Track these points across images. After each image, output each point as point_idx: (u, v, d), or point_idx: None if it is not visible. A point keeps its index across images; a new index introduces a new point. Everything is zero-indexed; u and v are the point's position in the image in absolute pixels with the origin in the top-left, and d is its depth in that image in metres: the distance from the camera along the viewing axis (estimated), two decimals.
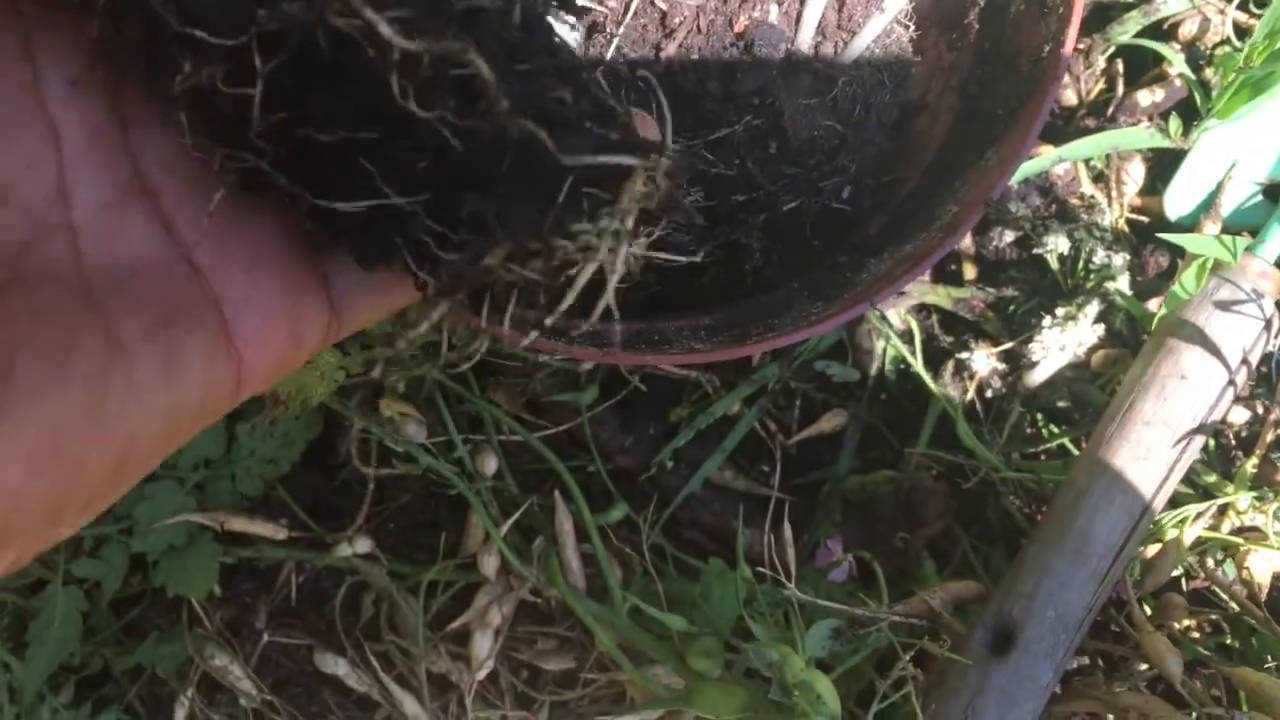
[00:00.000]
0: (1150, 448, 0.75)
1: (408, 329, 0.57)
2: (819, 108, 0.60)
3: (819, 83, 0.60)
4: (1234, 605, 0.77)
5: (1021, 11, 0.65)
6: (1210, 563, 0.78)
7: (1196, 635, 0.83)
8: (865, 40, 0.60)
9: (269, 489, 0.88)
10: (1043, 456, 0.89)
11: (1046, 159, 0.82)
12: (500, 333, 0.54)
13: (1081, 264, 0.83)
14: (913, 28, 0.62)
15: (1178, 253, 0.89)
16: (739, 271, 0.63)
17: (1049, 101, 0.60)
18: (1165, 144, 0.84)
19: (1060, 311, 0.81)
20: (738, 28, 0.60)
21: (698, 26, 0.60)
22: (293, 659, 0.91)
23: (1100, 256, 0.82)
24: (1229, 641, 0.83)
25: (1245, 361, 0.77)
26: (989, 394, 0.88)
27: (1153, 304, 0.88)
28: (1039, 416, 0.89)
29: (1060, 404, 0.87)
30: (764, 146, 0.60)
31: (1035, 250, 0.84)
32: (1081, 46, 0.91)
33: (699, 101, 0.58)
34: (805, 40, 0.59)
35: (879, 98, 0.61)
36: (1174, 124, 0.83)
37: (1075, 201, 0.87)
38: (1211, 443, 0.85)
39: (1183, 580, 0.84)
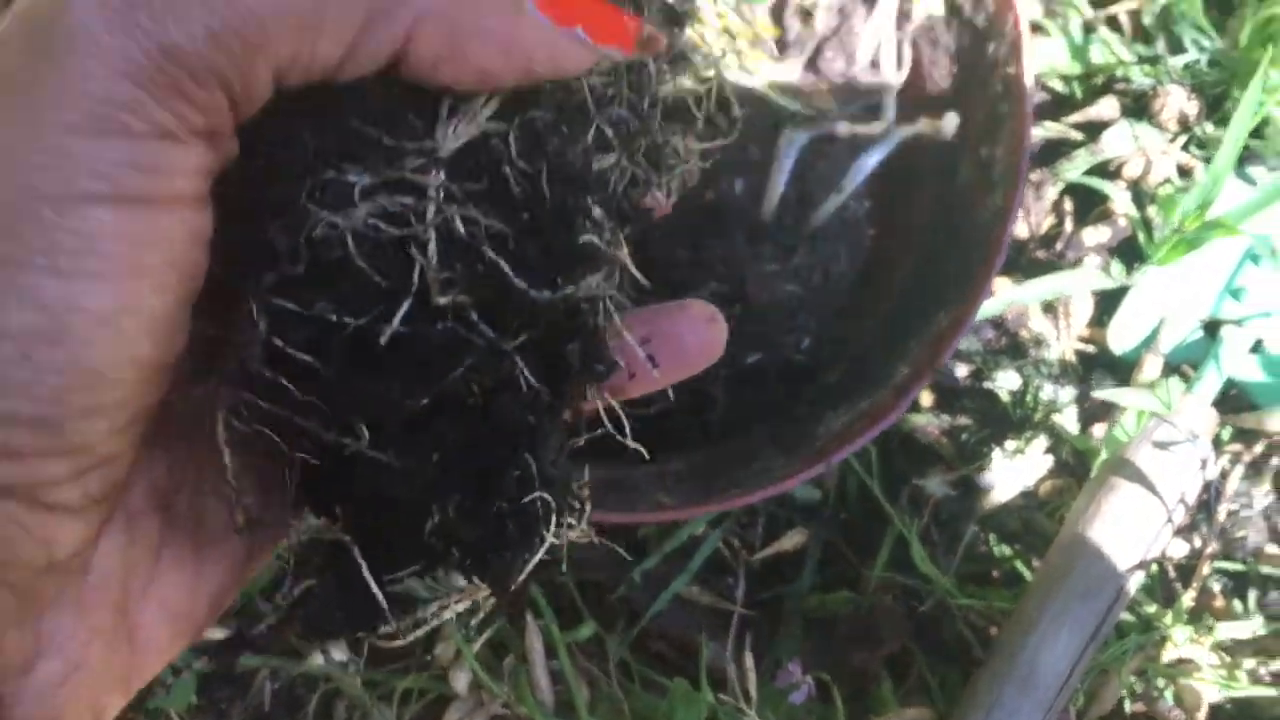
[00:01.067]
0: (1093, 583, 0.78)
1: None
2: (780, 274, 0.64)
3: (780, 251, 0.64)
4: None
5: (970, 181, 0.70)
6: (1152, 693, 0.82)
7: None
8: (823, 215, 0.64)
9: (247, 599, 0.90)
10: (995, 573, 0.93)
11: (998, 303, 0.87)
12: None
13: (1030, 397, 0.87)
14: (867, 203, 0.66)
15: (1124, 379, 0.94)
16: (704, 419, 0.66)
17: (993, 273, 0.64)
18: (1108, 285, 0.88)
19: (1010, 445, 0.85)
20: (706, 198, 0.64)
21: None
22: None
23: (1047, 391, 0.86)
24: None
25: (1182, 500, 0.81)
26: (944, 516, 0.91)
27: (1099, 429, 0.92)
28: (992, 537, 0.93)
29: (1012, 527, 0.91)
30: (728, 307, 0.64)
31: (986, 384, 0.88)
32: (1034, 178, 0.96)
33: (667, 267, 0.62)
34: (768, 213, 0.64)
35: (836, 266, 0.66)
36: (1116, 267, 0.87)
37: (1025, 334, 0.91)
38: (1154, 568, 0.89)
39: (1125, 702, 0.88)
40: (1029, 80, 0.65)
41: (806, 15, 0.61)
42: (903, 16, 0.68)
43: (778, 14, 0.64)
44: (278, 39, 0.27)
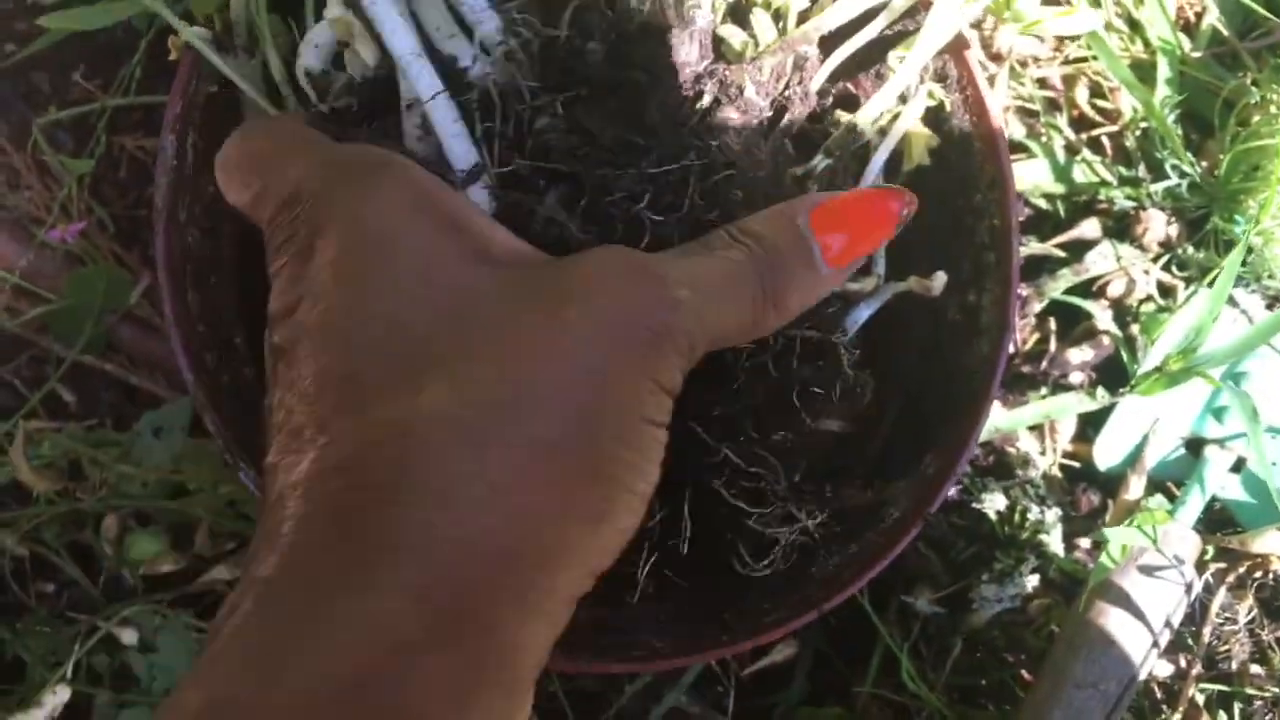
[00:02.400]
0: (1081, 710, 0.80)
1: None
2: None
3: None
4: None
5: (957, 324, 0.71)
6: None
7: None
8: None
9: None
10: (983, 683, 0.94)
11: (986, 429, 0.88)
12: None
13: (1017, 517, 0.89)
14: (857, 352, 0.68)
15: (1109, 493, 0.95)
16: (695, 559, 0.67)
17: (981, 422, 0.66)
18: (1093, 408, 0.90)
19: (997, 566, 0.87)
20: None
21: None
22: None
23: (1034, 513, 0.87)
24: None
25: (1168, 624, 0.83)
26: (931, 631, 0.92)
27: (1085, 541, 0.94)
28: (980, 650, 0.94)
29: (1000, 644, 0.92)
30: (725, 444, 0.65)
31: (974, 505, 0.89)
32: (1023, 293, 0.99)
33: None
34: None
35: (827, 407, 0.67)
36: (1100, 391, 0.89)
37: (1012, 452, 0.93)
38: (1142, 687, 0.90)
39: None
40: (1015, 234, 0.67)
41: (801, 182, 0.63)
42: (891, 168, 0.70)
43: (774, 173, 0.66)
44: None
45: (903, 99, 0.69)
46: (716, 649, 0.64)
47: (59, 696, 0.79)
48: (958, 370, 0.71)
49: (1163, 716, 0.86)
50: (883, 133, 0.68)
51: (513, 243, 0.45)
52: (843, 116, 0.65)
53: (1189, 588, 0.84)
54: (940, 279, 0.65)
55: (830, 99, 0.69)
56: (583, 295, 0.40)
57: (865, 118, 0.64)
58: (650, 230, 0.51)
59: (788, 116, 0.66)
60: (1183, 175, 0.95)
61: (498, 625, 0.38)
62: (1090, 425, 0.96)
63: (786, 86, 0.66)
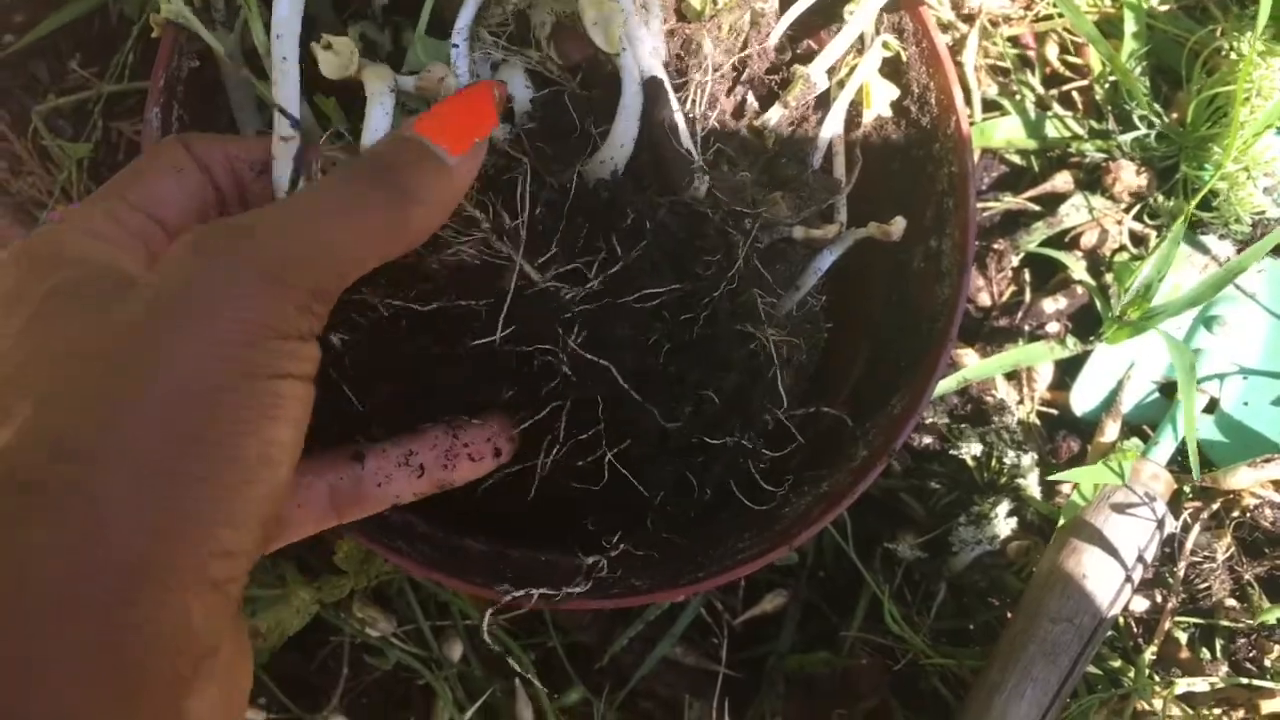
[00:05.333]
0: (1056, 643, 0.82)
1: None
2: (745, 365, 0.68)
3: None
4: None
5: (921, 271, 0.74)
6: None
7: None
8: (782, 312, 0.68)
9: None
10: (970, 628, 0.96)
11: (955, 379, 0.91)
12: (467, 588, 0.61)
13: (994, 462, 0.91)
14: (823, 298, 0.70)
15: (1086, 438, 0.98)
16: (671, 503, 0.69)
17: (943, 361, 0.68)
18: (1064, 356, 0.93)
19: (975, 509, 0.89)
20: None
21: None
22: None
23: (1010, 457, 0.90)
24: None
25: (1141, 559, 0.85)
26: (916, 577, 0.95)
27: (1066, 487, 0.96)
28: (964, 594, 0.96)
29: (981, 586, 0.94)
30: (698, 395, 0.68)
31: (953, 451, 0.92)
32: (996, 248, 1.01)
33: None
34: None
35: (797, 357, 0.70)
36: (1070, 339, 0.92)
37: (989, 400, 0.95)
38: (1120, 622, 0.93)
39: None
40: (972, 182, 0.69)
41: (759, 132, 0.66)
42: (852, 120, 0.72)
43: (731, 126, 0.69)
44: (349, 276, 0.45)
45: (860, 52, 0.71)
46: (694, 584, 0.67)
47: None
48: (922, 315, 0.73)
49: (1142, 650, 0.88)
50: (842, 84, 0.70)
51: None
52: (798, 68, 0.68)
53: (1161, 523, 0.86)
54: (900, 223, 0.68)
55: (789, 55, 0.72)
56: (173, 297, 0.42)
57: (819, 68, 0.67)
58: None
59: (748, 71, 0.68)
60: (1150, 125, 0.97)
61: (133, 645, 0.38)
62: (1068, 374, 0.99)
63: (745, 43, 0.69)
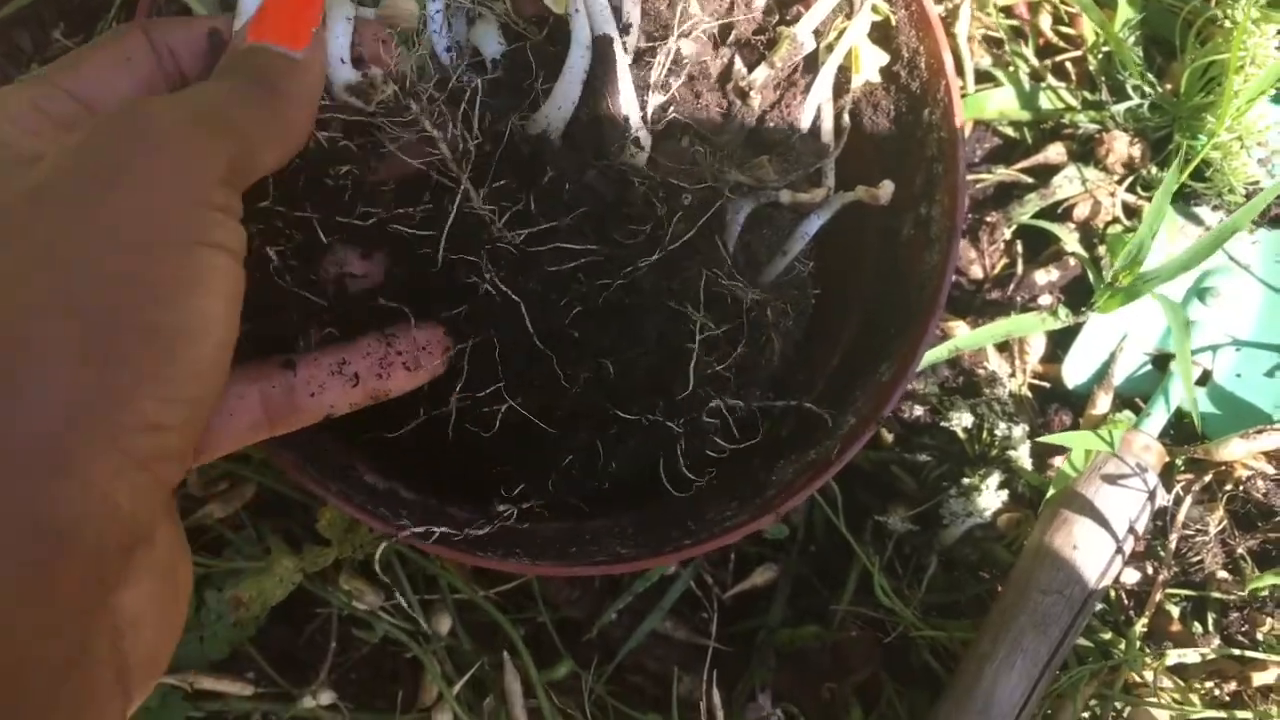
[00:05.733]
0: (1046, 614, 0.82)
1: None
2: (732, 331, 0.67)
3: (730, 309, 0.67)
4: None
5: (911, 239, 0.73)
6: (1108, 717, 0.85)
7: None
8: (769, 277, 0.67)
9: (237, 646, 0.93)
10: (961, 602, 0.96)
11: (945, 347, 0.90)
12: (451, 555, 0.61)
13: (985, 434, 0.91)
14: (811, 264, 0.70)
15: (1078, 412, 0.97)
16: (658, 470, 0.69)
17: (932, 327, 0.68)
18: (1056, 327, 0.92)
19: (966, 481, 0.89)
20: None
21: None
22: None
23: (1001, 429, 0.89)
24: None
25: (1132, 530, 0.85)
26: (906, 550, 0.95)
27: (1057, 460, 0.95)
28: (955, 567, 0.96)
29: (972, 558, 0.94)
30: (685, 364, 0.67)
31: (944, 423, 0.91)
32: (989, 220, 1.00)
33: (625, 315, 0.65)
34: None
35: (784, 323, 0.69)
36: (1062, 310, 0.91)
37: (980, 372, 0.95)
38: (1111, 595, 0.92)
39: None
40: (962, 144, 0.69)
41: (744, 93, 0.65)
42: (841, 85, 0.71)
43: (719, 89, 0.68)
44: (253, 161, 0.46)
45: (849, 15, 0.70)
46: (678, 551, 0.66)
47: None
48: (911, 282, 0.73)
49: (1133, 622, 0.88)
50: (830, 48, 0.70)
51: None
52: (783, 29, 0.67)
53: (1153, 495, 0.86)
54: (888, 187, 0.67)
55: (776, 18, 0.71)
56: (87, 167, 0.42)
57: (805, 28, 0.66)
58: None
59: (734, 32, 0.67)
60: (1144, 96, 0.97)
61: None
62: (1060, 346, 0.98)
63: (732, 6, 0.68)
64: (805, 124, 0.69)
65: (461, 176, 0.54)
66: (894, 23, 0.73)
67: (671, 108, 0.62)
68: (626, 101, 0.58)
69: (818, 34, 0.69)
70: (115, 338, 0.39)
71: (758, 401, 0.68)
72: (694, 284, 0.59)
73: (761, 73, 0.65)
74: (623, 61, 0.58)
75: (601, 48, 0.57)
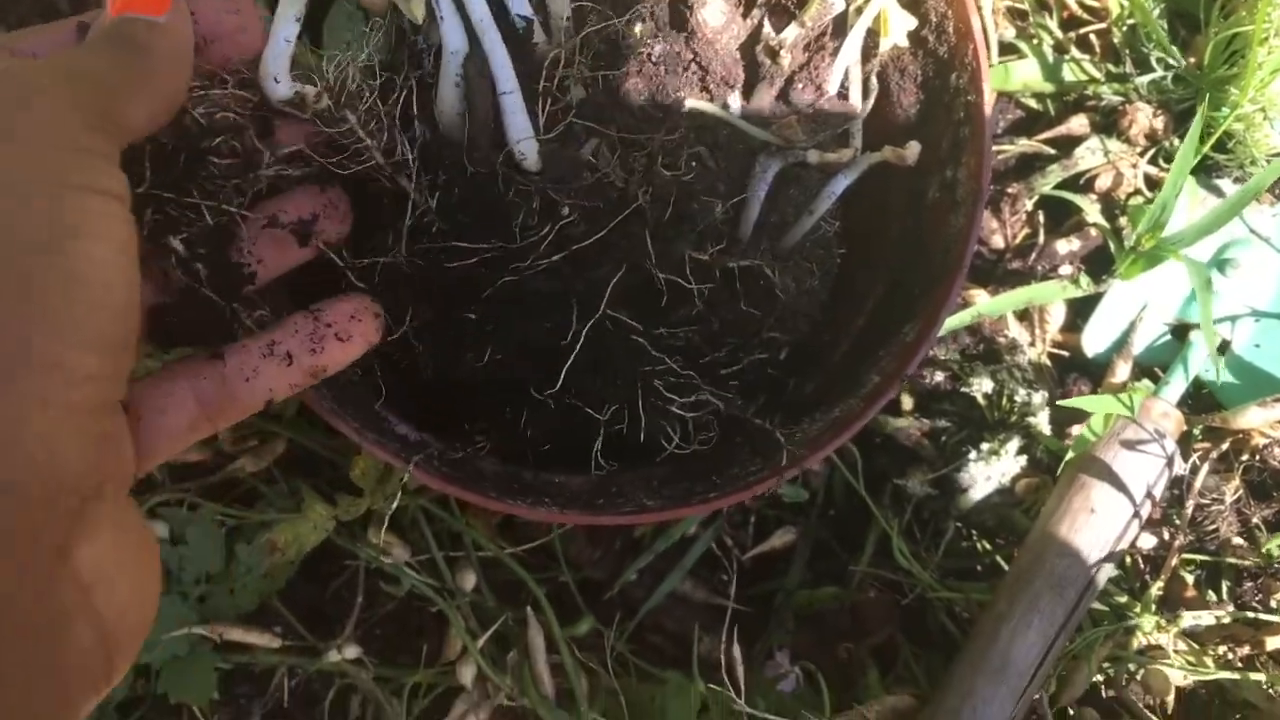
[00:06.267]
0: (1063, 576, 0.83)
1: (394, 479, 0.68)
2: (758, 293, 0.68)
3: (758, 270, 0.68)
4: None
5: (936, 202, 0.74)
6: (1121, 679, 0.86)
7: None
8: (796, 236, 0.69)
9: (265, 600, 0.95)
10: (978, 568, 0.97)
11: (967, 314, 0.91)
12: (481, 501, 0.62)
13: (1005, 400, 0.92)
14: (837, 224, 0.71)
15: (1097, 381, 0.98)
16: (686, 432, 0.70)
17: (957, 288, 0.69)
18: (1077, 295, 0.93)
19: (985, 446, 0.90)
20: (688, 224, 0.69)
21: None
22: None
23: (1021, 395, 0.90)
24: None
25: (1149, 495, 0.86)
26: (925, 514, 0.96)
27: (1075, 429, 0.96)
28: (973, 533, 0.97)
29: (989, 523, 0.95)
30: (709, 325, 0.69)
31: (964, 389, 0.92)
32: (1011, 191, 1.01)
33: (653, 293, 0.66)
34: (744, 235, 0.68)
35: (810, 282, 0.70)
36: (1083, 278, 0.92)
37: (1001, 340, 0.96)
38: (1127, 560, 0.93)
39: (1101, 690, 0.92)
40: (988, 108, 0.70)
41: (774, 52, 0.66)
42: (870, 49, 0.72)
43: (748, 51, 0.69)
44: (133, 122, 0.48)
45: None
46: (705, 503, 0.68)
47: None
48: (936, 244, 0.74)
49: (1148, 586, 0.89)
50: (859, 11, 0.71)
51: None
52: None
53: (1170, 461, 0.86)
54: (914, 148, 0.68)
55: None
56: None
57: None
58: None
59: None
60: (1168, 68, 0.97)
61: None
62: (1080, 316, 0.99)
63: None
64: (833, 87, 0.70)
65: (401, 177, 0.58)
66: None
67: (577, 110, 0.63)
68: (512, 110, 0.60)
69: None
70: (6, 287, 0.41)
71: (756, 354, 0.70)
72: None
73: (792, 32, 0.66)
74: (502, 62, 0.59)
75: (476, 63, 0.59)
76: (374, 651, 0.97)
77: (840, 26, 0.71)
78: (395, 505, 0.79)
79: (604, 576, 0.99)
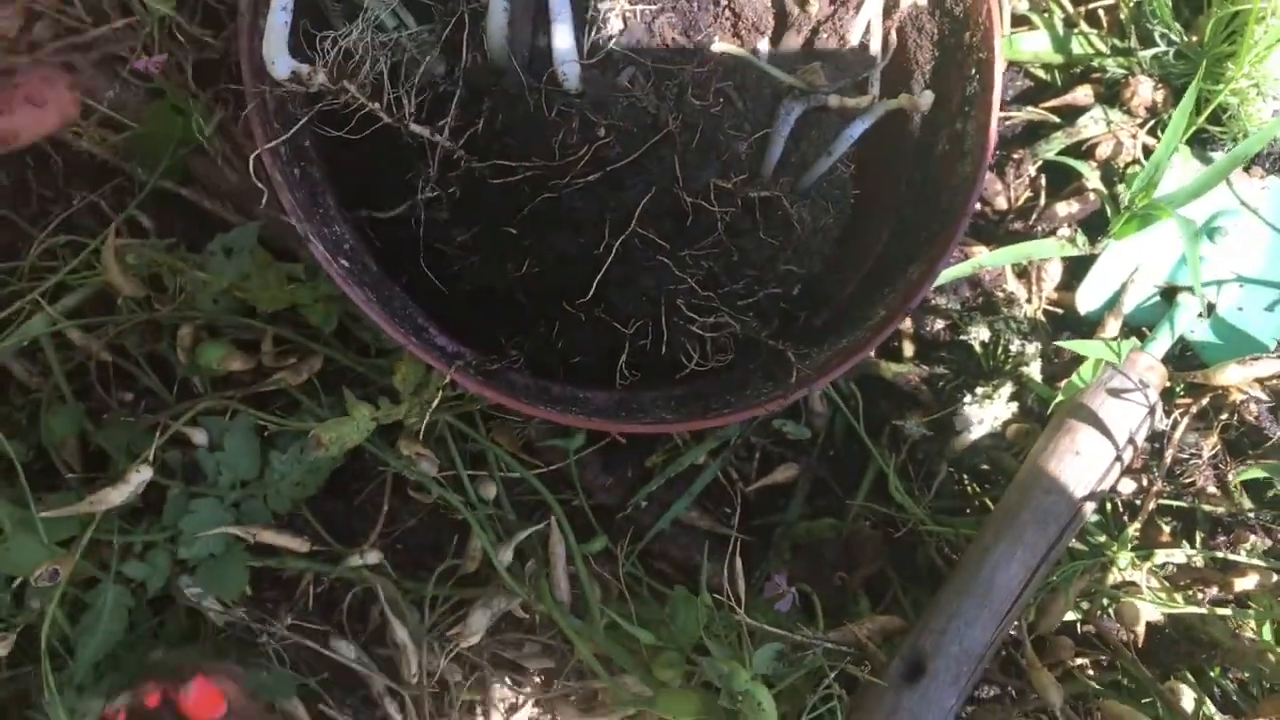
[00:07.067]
0: (1046, 512, 0.89)
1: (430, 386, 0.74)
2: (777, 225, 0.74)
3: (777, 204, 0.74)
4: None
5: (945, 153, 0.80)
6: (1096, 610, 0.92)
7: (1092, 673, 0.97)
8: (815, 175, 0.74)
9: (295, 509, 1.01)
10: (968, 511, 1.03)
11: (968, 265, 0.97)
12: (514, 404, 0.68)
13: (1000, 350, 0.97)
14: (853, 167, 0.76)
15: (1088, 337, 1.04)
16: (705, 351, 0.76)
17: (959, 232, 0.75)
18: (1073, 253, 0.98)
19: (980, 390, 0.96)
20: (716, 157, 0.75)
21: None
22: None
23: (1016, 345, 0.96)
24: (1121, 680, 0.97)
25: (1131, 441, 0.91)
26: (920, 455, 1.02)
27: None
28: (964, 476, 1.03)
29: (982, 467, 1.01)
30: (729, 255, 0.74)
31: (961, 337, 0.98)
32: (1015, 156, 1.06)
33: (679, 216, 0.72)
34: (767, 171, 0.74)
35: (824, 220, 0.76)
36: (1080, 238, 0.98)
37: (999, 294, 1.02)
38: (1108, 506, 0.99)
39: (1078, 625, 0.98)
40: (999, 65, 0.75)
41: (803, 2, 0.71)
42: (890, 6, 0.78)
43: (779, 1, 0.74)
44: None
45: None
46: (719, 416, 0.73)
47: (142, 474, 0.90)
48: (943, 191, 0.79)
49: (1125, 528, 0.95)
50: None
51: None
52: None
53: (1153, 410, 0.92)
54: (928, 96, 0.73)
55: None
56: None
57: None
58: None
59: None
60: (1170, 43, 1.02)
61: None
62: (1075, 277, 1.05)
63: None
64: (855, 38, 0.76)
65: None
66: None
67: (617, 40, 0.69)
68: (560, 31, 0.65)
69: None
70: None
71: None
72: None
73: None
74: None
75: None
76: (395, 565, 1.03)
77: None
78: (429, 415, 0.85)
79: (615, 503, 1.05)
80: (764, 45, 0.73)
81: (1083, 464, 0.90)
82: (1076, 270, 1.04)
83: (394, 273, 0.75)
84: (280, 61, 0.61)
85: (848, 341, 0.78)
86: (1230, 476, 1.01)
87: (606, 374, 0.75)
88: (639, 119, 0.66)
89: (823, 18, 0.74)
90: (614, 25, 0.66)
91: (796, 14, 0.72)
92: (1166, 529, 1.01)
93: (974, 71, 0.78)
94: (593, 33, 0.65)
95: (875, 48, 0.76)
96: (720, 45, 0.70)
